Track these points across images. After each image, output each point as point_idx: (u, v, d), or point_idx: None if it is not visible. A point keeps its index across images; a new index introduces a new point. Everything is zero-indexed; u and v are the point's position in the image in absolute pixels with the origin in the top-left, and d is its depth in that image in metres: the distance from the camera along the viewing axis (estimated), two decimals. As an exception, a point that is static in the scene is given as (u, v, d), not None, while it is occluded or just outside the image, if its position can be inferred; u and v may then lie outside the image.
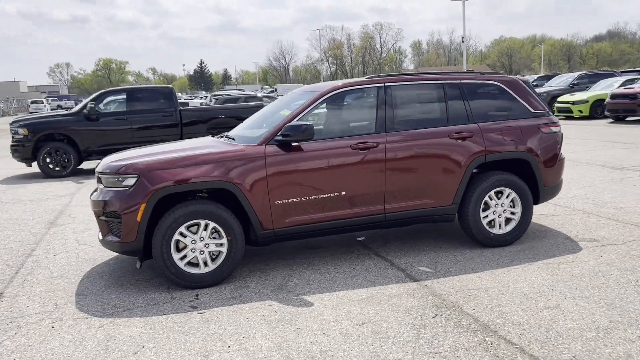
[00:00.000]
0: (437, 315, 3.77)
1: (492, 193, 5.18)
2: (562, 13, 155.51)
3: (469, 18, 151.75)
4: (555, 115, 15.93)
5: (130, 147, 12.06)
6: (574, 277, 4.36)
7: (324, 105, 4.93)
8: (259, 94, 30.34)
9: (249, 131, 5.26)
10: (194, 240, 4.48)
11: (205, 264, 4.52)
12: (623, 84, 18.92)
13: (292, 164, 4.65)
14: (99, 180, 4.66)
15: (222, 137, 5.38)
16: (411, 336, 3.46)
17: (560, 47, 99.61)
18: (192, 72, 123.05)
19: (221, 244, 4.54)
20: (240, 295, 4.34)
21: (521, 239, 5.37)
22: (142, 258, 4.60)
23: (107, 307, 4.21)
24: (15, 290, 4.71)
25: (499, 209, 5.24)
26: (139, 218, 4.36)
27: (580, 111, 19.04)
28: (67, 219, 7.45)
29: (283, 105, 5.66)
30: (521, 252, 5.07)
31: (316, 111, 5.00)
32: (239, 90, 54.76)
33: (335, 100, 4.98)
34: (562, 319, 3.60)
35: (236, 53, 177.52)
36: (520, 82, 5.51)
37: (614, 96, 17.66)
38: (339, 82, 5.05)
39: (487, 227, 5.21)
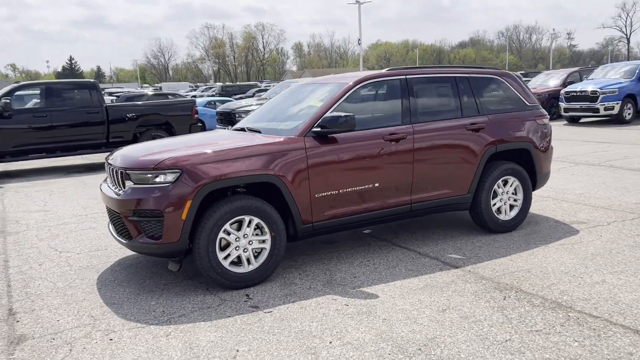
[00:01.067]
0: (506, 297, 3.92)
1: (499, 181, 5.48)
2: (429, 20, 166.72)
3: (344, 22, 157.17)
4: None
5: (50, 148, 11.09)
6: (595, 255, 4.74)
7: (352, 96, 4.88)
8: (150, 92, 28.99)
9: (273, 123, 5.07)
10: (238, 237, 4.24)
11: (249, 262, 4.30)
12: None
13: (330, 156, 4.57)
14: (127, 177, 4.22)
15: (241, 129, 5.14)
16: (500, 318, 3.57)
17: (431, 52, 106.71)
18: (60, 69, 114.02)
19: (263, 241, 4.34)
20: (293, 292, 4.18)
21: (520, 224, 5.73)
22: (182, 260, 4.26)
23: (156, 315, 3.85)
24: (26, 304, 4.13)
25: (505, 197, 5.55)
26: (184, 216, 4.03)
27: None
28: (17, 226, 6.65)
29: (292, 98, 5.53)
30: (529, 236, 5.41)
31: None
32: (118, 88, 51.78)
33: (362, 91, 4.96)
34: (619, 292, 3.92)
35: (106, 50, 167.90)
36: (516, 76, 5.88)
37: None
38: (365, 74, 5.05)
39: (496, 214, 5.49)
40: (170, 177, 4.06)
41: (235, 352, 3.26)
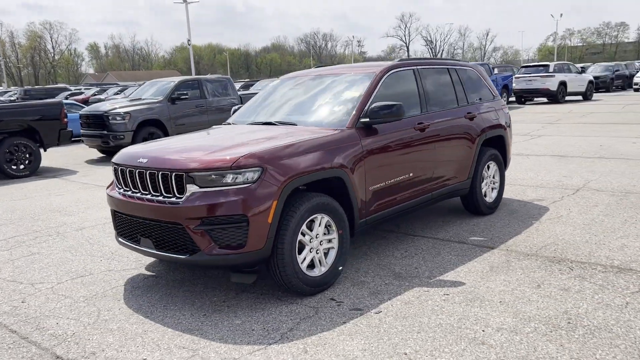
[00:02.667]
0: (572, 268, 4.22)
1: (485, 166, 5.85)
2: (226, 24, 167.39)
3: (139, 23, 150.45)
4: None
5: None
6: (587, 225, 5.33)
7: (382, 86, 4.77)
8: None
9: (301, 116, 4.69)
10: (312, 238, 3.88)
11: (320, 263, 3.97)
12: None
13: (378, 147, 4.42)
14: (189, 180, 3.56)
15: (266, 123, 4.68)
16: (593, 286, 3.83)
17: (239, 56, 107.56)
18: None
19: (330, 240, 4.03)
20: (376, 289, 3.97)
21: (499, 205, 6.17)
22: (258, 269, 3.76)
23: (261, 333, 3.34)
24: (73, 349, 3.27)
25: (488, 180, 5.94)
26: (270, 219, 3.56)
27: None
28: None
29: (301, 91, 5.15)
30: (513, 215, 5.87)
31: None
32: None
33: (386, 81, 4.88)
34: (649, 252, 4.49)
35: None
36: (483, 70, 6.32)
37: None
38: (387, 64, 4.96)
39: (484, 197, 5.85)
40: (251, 176, 3.55)
41: (404, 355, 3.00)
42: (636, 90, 30.05)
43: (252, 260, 3.60)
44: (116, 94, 26.96)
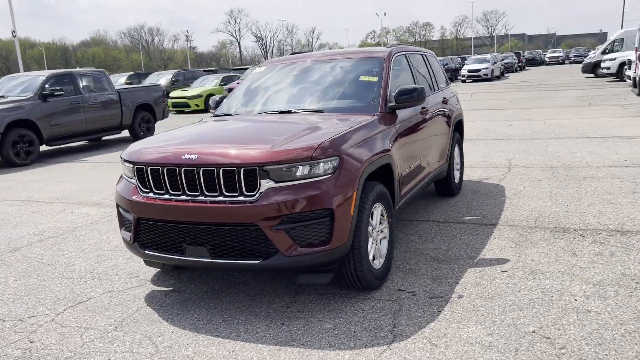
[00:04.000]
0: (582, 236, 4.56)
1: (453, 149, 6.06)
2: (32, 16, 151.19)
3: None
4: (170, 110, 17.09)
5: None
6: (550, 197, 5.77)
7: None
8: None
9: (318, 103, 4.37)
10: (373, 229, 3.68)
11: (379, 254, 3.78)
12: (222, 80, 21.45)
13: (404, 132, 4.32)
14: (263, 175, 3.12)
15: (287, 112, 4.28)
16: (618, 250, 4.17)
17: (55, 51, 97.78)
18: None
19: (382, 230, 3.86)
20: (433, 276, 3.89)
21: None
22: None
23: (369, 336, 3.08)
24: (164, 385, 2.69)
25: (453, 162, 6.17)
26: (352, 211, 3.28)
27: (197, 105, 20.58)
28: None
29: (303, 78, 4.82)
30: (477, 193, 6.17)
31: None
32: None
33: (393, 66, 4.77)
34: (629, 213, 5.00)
35: None
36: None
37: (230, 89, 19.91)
38: (385, 48, 4.86)
39: (454, 179, 6.07)
40: (330, 166, 3.23)
41: (532, 332, 2.98)
42: (463, 81, 33.67)
43: (334, 257, 3.29)
44: None
